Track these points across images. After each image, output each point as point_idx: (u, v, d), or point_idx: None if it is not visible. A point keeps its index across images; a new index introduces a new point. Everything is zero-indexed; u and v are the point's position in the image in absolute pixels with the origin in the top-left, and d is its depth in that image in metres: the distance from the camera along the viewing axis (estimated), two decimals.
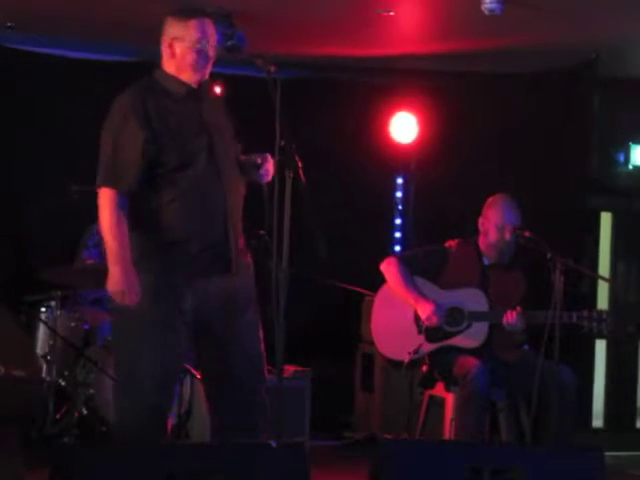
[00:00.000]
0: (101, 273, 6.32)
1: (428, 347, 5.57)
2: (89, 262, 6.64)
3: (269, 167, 4.30)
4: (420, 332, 5.58)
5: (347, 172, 7.50)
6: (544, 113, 7.25)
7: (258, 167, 4.30)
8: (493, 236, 5.62)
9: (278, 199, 4.04)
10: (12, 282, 6.57)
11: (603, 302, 7.66)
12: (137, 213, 4.17)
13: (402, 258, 5.79)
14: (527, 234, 5.48)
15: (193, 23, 4.20)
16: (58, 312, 6.33)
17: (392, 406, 6.71)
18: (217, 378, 4.33)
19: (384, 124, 7.70)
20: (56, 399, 6.17)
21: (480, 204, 5.75)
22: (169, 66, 4.27)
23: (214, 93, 4.32)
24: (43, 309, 6.42)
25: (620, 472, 6.26)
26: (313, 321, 7.22)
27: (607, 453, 3.99)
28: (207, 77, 4.30)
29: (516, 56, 7.06)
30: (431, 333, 5.56)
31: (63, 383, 6.23)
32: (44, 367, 6.19)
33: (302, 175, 4.13)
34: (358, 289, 6.93)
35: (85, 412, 6.15)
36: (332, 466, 6.12)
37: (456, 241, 5.72)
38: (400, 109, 7.68)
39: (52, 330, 6.21)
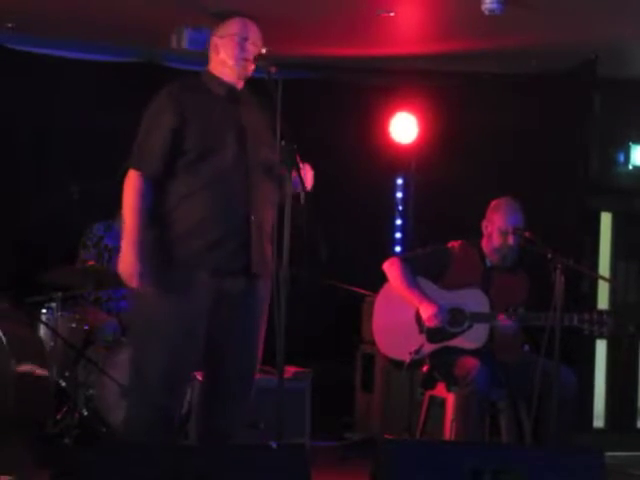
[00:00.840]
0: (101, 274, 6.40)
1: (429, 347, 5.57)
2: (89, 263, 6.64)
3: (304, 174, 4.18)
4: (421, 332, 5.58)
5: (347, 172, 7.50)
6: (544, 113, 7.25)
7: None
8: (497, 240, 5.62)
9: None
10: (13, 283, 6.56)
11: (603, 302, 7.66)
12: (160, 204, 4.22)
13: (405, 258, 5.79)
14: (527, 234, 5.48)
15: (232, 20, 4.36)
16: (58, 313, 6.32)
17: (393, 407, 6.71)
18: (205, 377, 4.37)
19: (384, 124, 7.70)
20: (56, 400, 6.17)
21: (480, 204, 5.75)
22: (214, 66, 4.38)
23: (261, 106, 4.34)
24: (44, 310, 6.42)
25: (620, 472, 6.25)
26: (313, 322, 7.22)
27: (607, 453, 4.00)
28: (249, 75, 4.33)
29: (516, 56, 7.06)
30: (432, 333, 5.56)
31: (63, 384, 6.23)
32: None
33: (302, 175, 4.14)
34: (358, 290, 6.93)
35: (85, 413, 6.15)
36: (333, 467, 6.12)
37: (459, 242, 5.72)
38: (400, 109, 7.68)
39: (53, 331, 6.21)
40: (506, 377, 5.49)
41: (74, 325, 6.41)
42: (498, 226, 5.60)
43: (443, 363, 5.56)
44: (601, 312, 5.41)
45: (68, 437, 5.96)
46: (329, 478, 5.54)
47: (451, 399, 5.55)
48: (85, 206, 6.61)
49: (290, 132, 4.22)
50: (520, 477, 3.80)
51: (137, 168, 4.23)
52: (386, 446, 3.98)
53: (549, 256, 5.14)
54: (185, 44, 6.49)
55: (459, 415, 5.41)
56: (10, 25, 6.70)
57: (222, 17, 4.43)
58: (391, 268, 5.70)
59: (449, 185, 7.39)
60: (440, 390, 5.70)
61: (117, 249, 4.40)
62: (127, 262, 4.16)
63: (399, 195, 8.10)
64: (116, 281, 6.30)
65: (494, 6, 5.80)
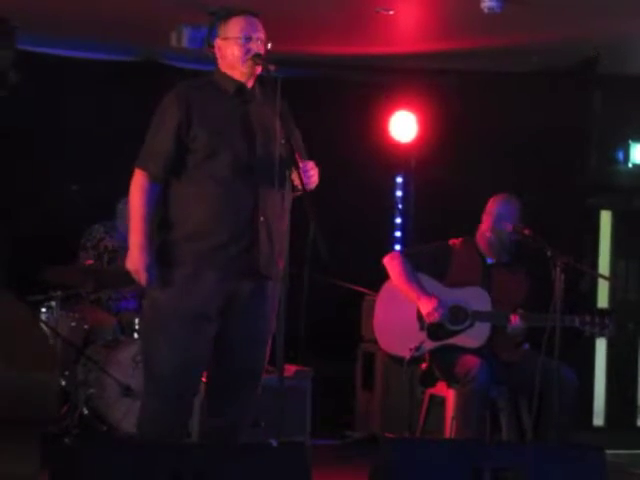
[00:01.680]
0: (101, 274, 6.41)
1: (430, 345, 5.57)
2: (88, 263, 6.64)
3: (308, 170, 4.16)
4: (422, 329, 5.57)
5: (347, 171, 7.49)
6: (544, 112, 7.25)
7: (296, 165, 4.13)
8: (489, 233, 5.62)
9: None
10: (12, 282, 6.56)
11: (603, 300, 7.65)
12: (167, 203, 4.23)
13: (406, 253, 5.79)
14: (527, 232, 5.48)
15: (234, 20, 4.29)
16: (58, 312, 6.33)
17: (393, 405, 6.71)
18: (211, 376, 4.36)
19: (384, 123, 7.70)
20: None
21: (480, 202, 5.75)
22: (222, 66, 4.34)
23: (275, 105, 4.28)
24: (44, 309, 6.43)
25: (620, 471, 6.24)
26: (314, 320, 7.20)
27: (608, 451, 3.99)
28: (258, 72, 4.28)
29: (516, 54, 7.06)
30: (433, 330, 5.55)
31: (64, 383, 6.23)
32: None
33: (302, 174, 4.13)
34: (358, 288, 6.93)
35: (86, 412, 6.16)
36: (333, 465, 6.12)
37: (459, 239, 5.72)
38: (400, 108, 7.68)
39: (53, 330, 6.21)
40: (507, 375, 5.48)
41: (74, 324, 6.42)
42: (492, 219, 5.60)
43: (444, 361, 5.55)
44: (602, 314, 5.40)
45: (68, 436, 5.97)
46: (329, 476, 5.53)
47: (451, 397, 5.55)
48: (85, 206, 6.62)
49: (294, 130, 4.24)
50: (520, 476, 3.80)
51: (143, 168, 4.24)
52: (387, 444, 3.98)
53: (549, 254, 5.13)
54: (185, 42, 6.50)
55: (460, 413, 5.41)
56: (14, 25, 6.69)
57: (221, 16, 4.38)
58: (391, 262, 5.69)
59: (449, 183, 7.39)
60: (440, 388, 5.70)
61: (122, 249, 4.42)
62: (134, 259, 4.19)
63: (399, 193, 8.10)
64: (116, 282, 6.36)
65: (493, 4, 5.82)
